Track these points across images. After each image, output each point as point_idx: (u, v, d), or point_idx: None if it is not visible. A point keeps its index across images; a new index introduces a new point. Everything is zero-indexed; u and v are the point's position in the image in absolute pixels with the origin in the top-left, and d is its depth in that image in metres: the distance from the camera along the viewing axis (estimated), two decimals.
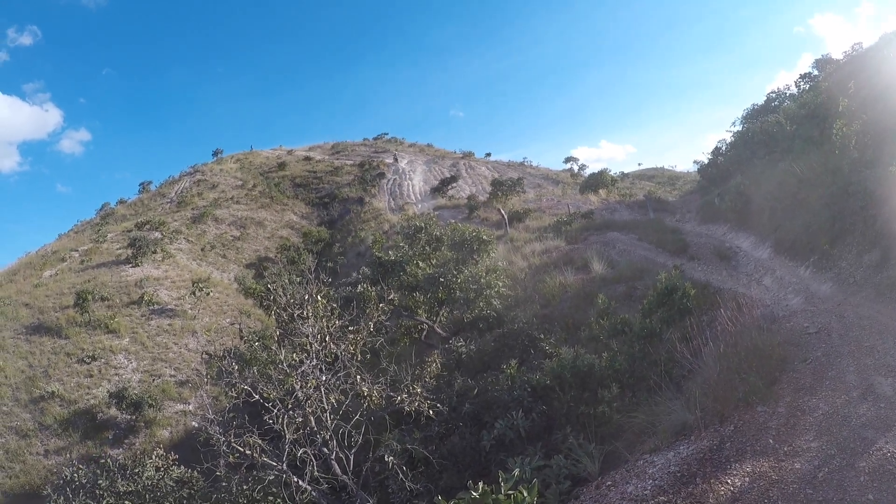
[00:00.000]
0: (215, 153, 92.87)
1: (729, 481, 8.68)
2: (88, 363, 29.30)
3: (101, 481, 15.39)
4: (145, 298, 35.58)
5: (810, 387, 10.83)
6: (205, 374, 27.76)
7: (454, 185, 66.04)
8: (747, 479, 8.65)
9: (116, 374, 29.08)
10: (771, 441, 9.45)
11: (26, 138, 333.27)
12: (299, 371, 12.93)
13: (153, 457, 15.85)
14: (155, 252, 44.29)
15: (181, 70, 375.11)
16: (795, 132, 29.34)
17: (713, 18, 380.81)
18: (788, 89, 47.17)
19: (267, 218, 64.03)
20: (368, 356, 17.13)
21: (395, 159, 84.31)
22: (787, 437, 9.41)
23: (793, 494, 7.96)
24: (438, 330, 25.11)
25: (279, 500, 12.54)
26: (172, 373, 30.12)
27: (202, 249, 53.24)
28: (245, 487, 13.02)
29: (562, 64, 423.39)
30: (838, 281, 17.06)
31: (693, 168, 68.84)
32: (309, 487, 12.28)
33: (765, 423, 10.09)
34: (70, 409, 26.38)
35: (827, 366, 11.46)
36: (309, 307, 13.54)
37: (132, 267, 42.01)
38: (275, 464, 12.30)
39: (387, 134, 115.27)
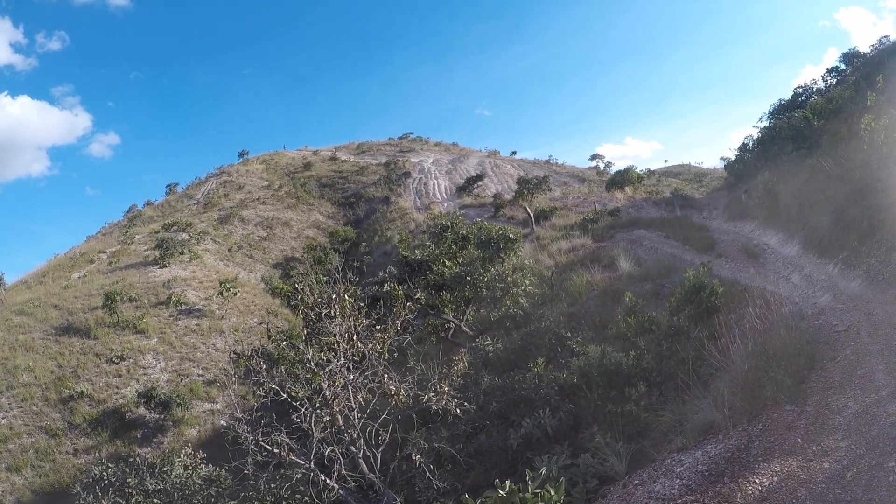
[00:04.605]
0: (241, 154, 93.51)
1: (757, 480, 8.64)
2: (117, 363, 29.61)
3: (129, 480, 15.66)
4: (173, 299, 35.87)
5: (839, 385, 10.75)
6: (233, 373, 28.13)
7: (480, 183, 66.01)
8: (775, 478, 8.61)
9: (145, 374, 29.39)
10: (799, 440, 9.40)
11: (56, 143, 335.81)
12: (327, 370, 12.98)
13: (181, 455, 16.09)
14: (182, 253, 44.67)
15: (208, 72, 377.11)
16: (823, 127, 29.09)
17: (736, 12, 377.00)
18: (815, 84, 46.68)
19: (293, 218, 64.31)
20: (396, 355, 17.18)
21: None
22: (816, 437, 9.35)
23: (821, 494, 7.91)
24: (465, 329, 25.11)
25: (306, 499, 12.59)
26: (200, 372, 30.42)
27: (229, 250, 53.63)
28: (273, 486, 13.11)
29: (586, 61, 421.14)
30: (867, 278, 16.84)
31: (720, 164, 68.57)
32: (336, 486, 12.34)
33: (793, 421, 10.03)
34: (99, 408, 26.67)
35: (856, 364, 11.35)
36: (336, 306, 13.59)
37: (160, 268, 42.41)
38: (302, 462, 12.36)
39: (412, 133, 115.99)
